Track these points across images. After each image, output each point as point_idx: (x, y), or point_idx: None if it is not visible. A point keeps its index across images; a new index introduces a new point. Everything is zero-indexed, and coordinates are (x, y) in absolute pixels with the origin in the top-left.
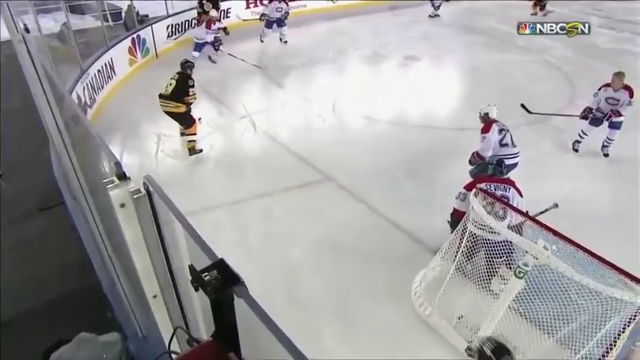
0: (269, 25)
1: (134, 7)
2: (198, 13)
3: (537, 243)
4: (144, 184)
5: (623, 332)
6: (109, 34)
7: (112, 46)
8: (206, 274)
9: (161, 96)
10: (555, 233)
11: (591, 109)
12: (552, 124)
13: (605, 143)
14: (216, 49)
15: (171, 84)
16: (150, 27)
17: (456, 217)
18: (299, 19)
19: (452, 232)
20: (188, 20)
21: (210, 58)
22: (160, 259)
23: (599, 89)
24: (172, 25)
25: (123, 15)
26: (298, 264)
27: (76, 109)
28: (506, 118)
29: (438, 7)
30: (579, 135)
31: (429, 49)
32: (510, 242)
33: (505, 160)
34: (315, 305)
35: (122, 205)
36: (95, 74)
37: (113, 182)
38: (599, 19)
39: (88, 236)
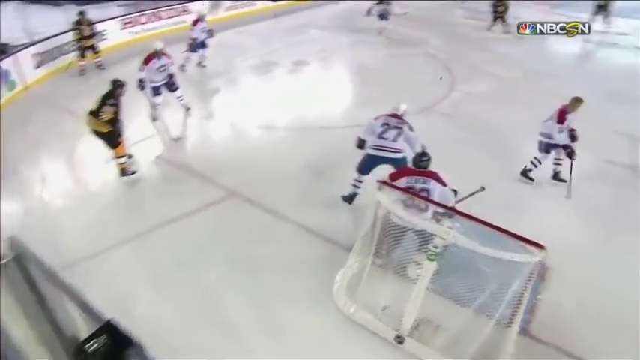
0: (195, 49)
1: None
2: (76, 39)
3: (442, 224)
4: (10, 246)
5: (525, 290)
6: None
7: None
8: (93, 341)
9: (90, 112)
10: (457, 212)
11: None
12: (439, 110)
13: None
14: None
15: (98, 101)
16: (13, 57)
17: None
18: (181, 35)
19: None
20: (59, 47)
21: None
22: (47, 330)
23: (564, 120)
24: (41, 53)
25: None
26: (216, 286)
27: None
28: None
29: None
30: (532, 163)
31: (316, 53)
32: (422, 230)
33: (375, 151)
34: (241, 325)
35: None
36: None
37: None
38: (464, 11)
39: None
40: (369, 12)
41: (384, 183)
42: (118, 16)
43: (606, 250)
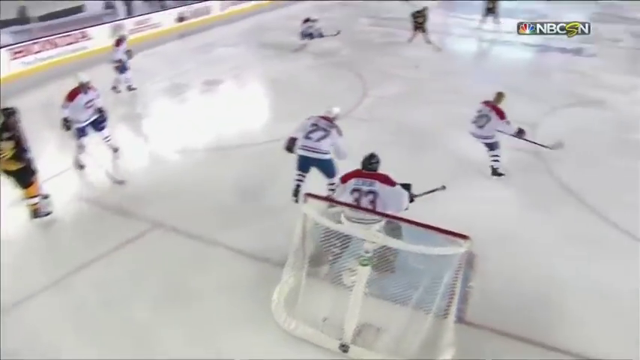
0: (122, 70)
1: None
2: None
3: (371, 228)
4: None
5: (456, 280)
6: None
7: None
8: None
9: None
10: (384, 215)
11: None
12: (356, 117)
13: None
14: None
15: None
16: None
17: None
18: (84, 62)
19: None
20: None
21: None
22: None
23: (504, 114)
24: None
25: None
26: (149, 323)
27: None
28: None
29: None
30: (495, 161)
31: (227, 70)
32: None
33: (301, 150)
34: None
35: None
36: None
37: None
38: (368, 19)
39: None
40: (302, 35)
41: (309, 195)
42: (6, 45)
43: (528, 232)
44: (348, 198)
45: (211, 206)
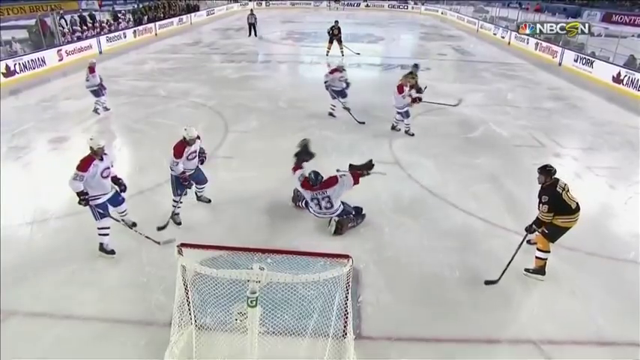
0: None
1: None
2: None
3: (252, 268)
4: None
5: (347, 299)
6: None
7: None
8: None
9: None
10: (263, 251)
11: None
12: (221, 155)
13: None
14: None
15: None
16: None
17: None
18: None
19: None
20: None
21: None
22: None
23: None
24: None
25: None
26: None
27: None
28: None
29: None
30: (397, 120)
31: (76, 124)
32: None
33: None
34: None
35: None
36: None
37: None
38: (219, 55)
39: None
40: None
41: (184, 245)
42: None
43: (400, 235)
44: (310, 203)
45: (78, 278)
